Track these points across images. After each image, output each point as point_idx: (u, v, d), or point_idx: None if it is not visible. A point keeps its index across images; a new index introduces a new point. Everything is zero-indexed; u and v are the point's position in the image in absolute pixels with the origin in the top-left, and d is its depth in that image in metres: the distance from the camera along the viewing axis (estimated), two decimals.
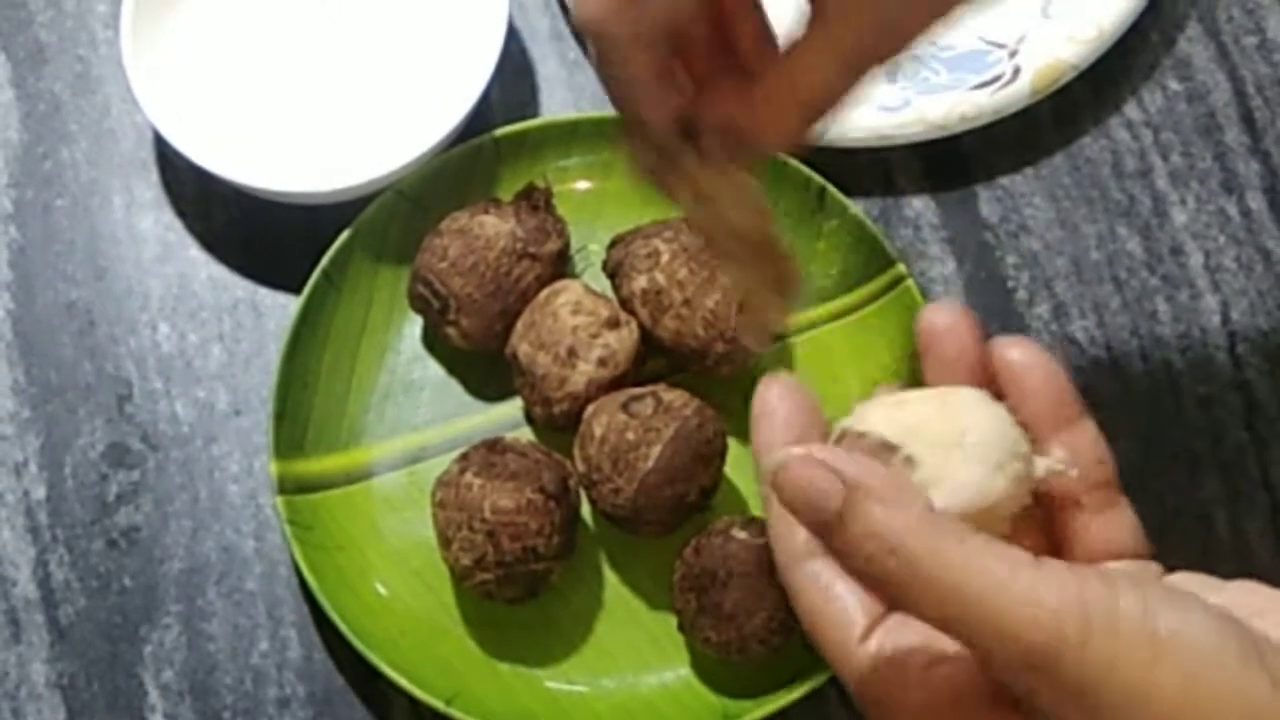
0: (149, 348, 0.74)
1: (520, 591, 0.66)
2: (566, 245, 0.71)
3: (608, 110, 0.76)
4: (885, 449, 0.42)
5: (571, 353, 0.67)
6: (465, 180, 0.73)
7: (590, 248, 0.73)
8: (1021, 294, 0.74)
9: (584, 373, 0.67)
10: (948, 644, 0.40)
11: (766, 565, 0.63)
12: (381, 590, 0.69)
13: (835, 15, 0.47)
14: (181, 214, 0.76)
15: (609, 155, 0.74)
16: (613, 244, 0.71)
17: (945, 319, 0.45)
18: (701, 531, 0.66)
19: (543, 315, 0.68)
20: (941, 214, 0.75)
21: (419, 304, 0.70)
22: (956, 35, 0.76)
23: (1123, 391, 0.72)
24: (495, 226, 0.69)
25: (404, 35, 0.76)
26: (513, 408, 0.71)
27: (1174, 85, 0.77)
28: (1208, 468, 0.71)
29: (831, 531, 0.39)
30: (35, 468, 0.72)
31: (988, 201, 0.75)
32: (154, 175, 0.76)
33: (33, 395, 0.73)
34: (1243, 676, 0.36)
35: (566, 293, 0.68)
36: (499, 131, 0.73)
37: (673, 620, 0.67)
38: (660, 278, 0.68)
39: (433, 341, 0.73)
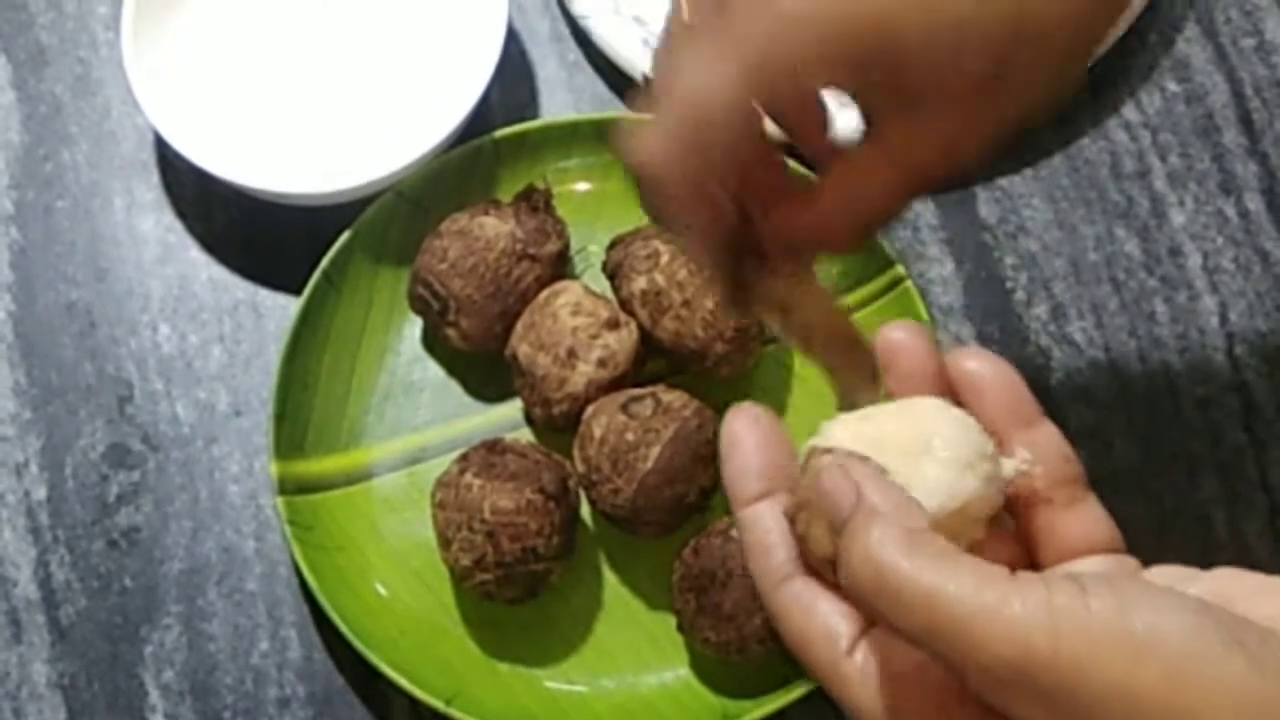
0: (149, 349, 0.74)
1: (520, 592, 0.66)
2: (566, 246, 0.71)
3: (607, 112, 0.76)
4: (851, 459, 0.42)
5: (571, 353, 0.67)
6: (465, 182, 0.73)
7: (590, 249, 0.73)
8: (1020, 295, 0.74)
9: (583, 373, 0.67)
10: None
11: None
12: (381, 590, 0.69)
13: (895, 135, 0.48)
14: (182, 215, 0.76)
15: (608, 156, 0.74)
16: (612, 245, 0.71)
17: (901, 335, 0.46)
18: (701, 532, 0.66)
19: (542, 316, 0.68)
20: (940, 215, 0.75)
21: (419, 305, 0.70)
22: None
23: (1121, 392, 0.73)
24: (495, 228, 0.69)
25: (404, 37, 0.76)
26: (512, 408, 0.72)
27: (1172, 87, 0.77)
28: (1206, 469, 0.71)
29: (839, 539, 0.40)
30: (36, 468, 0.72)
31: (986, 202, 0.75)
32: (154, 177, 0.76)
33: (34, 396, 0.73)
34: (1226, 663, 0.36)
35: (566, 294, 0.68)
36: (499, 133, 0.73)
37: (672, 620, 0.67)
38: (660, 279, 0.68)
39: (432, 342, 0.73)
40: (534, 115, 0.77)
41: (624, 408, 0.65)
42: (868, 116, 0.51)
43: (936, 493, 0.41)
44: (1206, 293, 0.74)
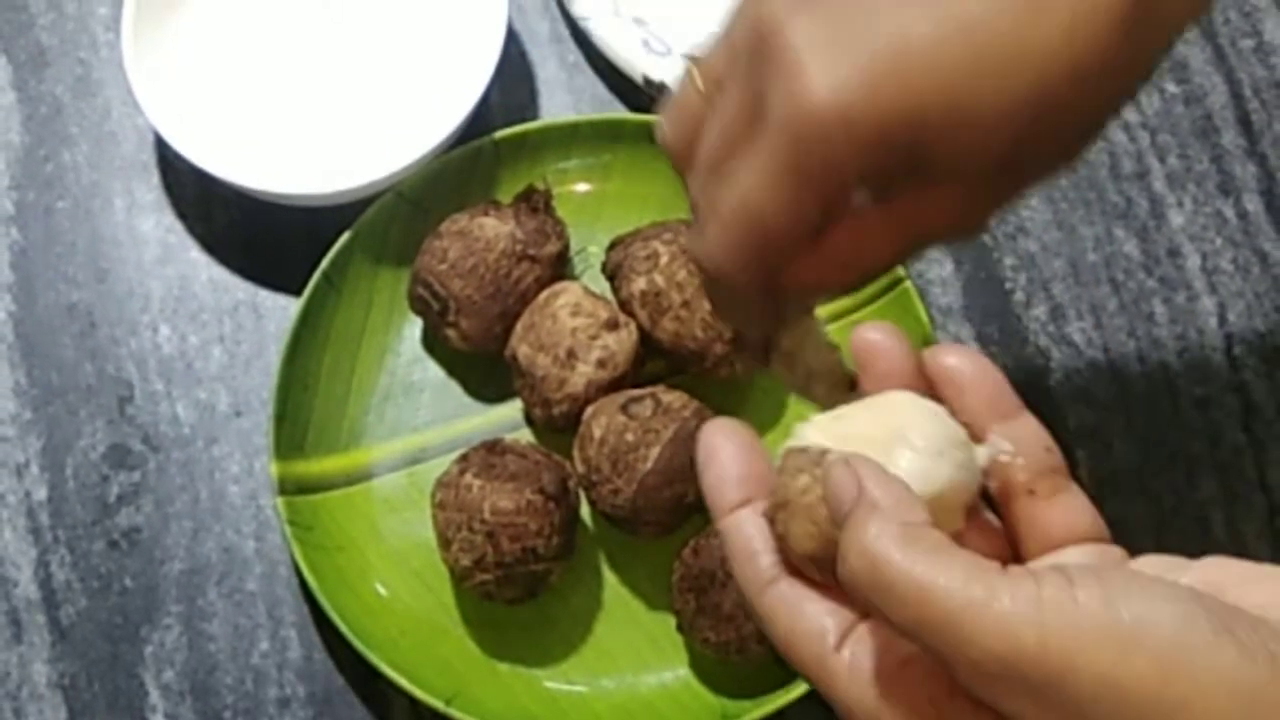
0: (150, 349, 0.74)
1: (520, 592, 0.66)
2: (566, 247, 0.71)
3: (606, 113, 0.76)
4: (824, 457, 0.42)
5: (571, 354, 0.67)
6: (465, 182, 0.73)
7: (589, 250, 0.73)
8: (1019, 295, 0.74)
9: (583, 374, 0.67)
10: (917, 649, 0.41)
11: None
12: (381, 591, 0.69)
13: (907, 205, 0.49)
14: (182, 216, 0.76)
15: (608, 157, 0.74)
16: (612, 246, 0.71)
17: (877, 336, 0.46)
18: (700, 532, 0.66)
19: (542, 317, 0.68)
20: None
21: (419, 306, 0.70)
22: None
23: (1120, 393, 0.73)
24: (495, 228, 0.69)
25: (404, 38, 0.76)
26: (512, 409, 0.72)
27: (1171, 88, 0.77)
28: (1205, 469, 0.72)
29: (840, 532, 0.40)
30: (37, 469, 0.72)
31: None
32: (155, 178, 0.76)
33: (34, 397, 0.73)
34: (1216, 652, 0.36)
35: (566, 294, 0.68)
36: (499, 134, 0.73)
37: (672, 621, 0.67)
38: (659, 280, 0.68)
39: (432, 343, 0.73)
40: (534, 116, 0.77)
41: (624, 408, 0.66)
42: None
43: (911, 481, 0.42)
44: (1205, 293, 0.74)
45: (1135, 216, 0.75)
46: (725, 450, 0.45)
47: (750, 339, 0.53)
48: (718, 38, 0.51)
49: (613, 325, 0.68)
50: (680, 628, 0.67)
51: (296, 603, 0.70)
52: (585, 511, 0.69)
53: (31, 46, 0.78)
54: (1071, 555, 0.44)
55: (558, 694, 0.68)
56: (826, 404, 0.51)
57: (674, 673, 0.68)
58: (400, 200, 0.72)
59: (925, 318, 0.70)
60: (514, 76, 0.78)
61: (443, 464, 0.69)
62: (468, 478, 0.65)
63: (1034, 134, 0.48)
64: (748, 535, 0.44)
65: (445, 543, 0.66)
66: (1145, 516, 0.71)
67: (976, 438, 0.44)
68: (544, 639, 0.69)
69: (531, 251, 0.69)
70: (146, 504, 0.71)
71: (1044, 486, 0.44)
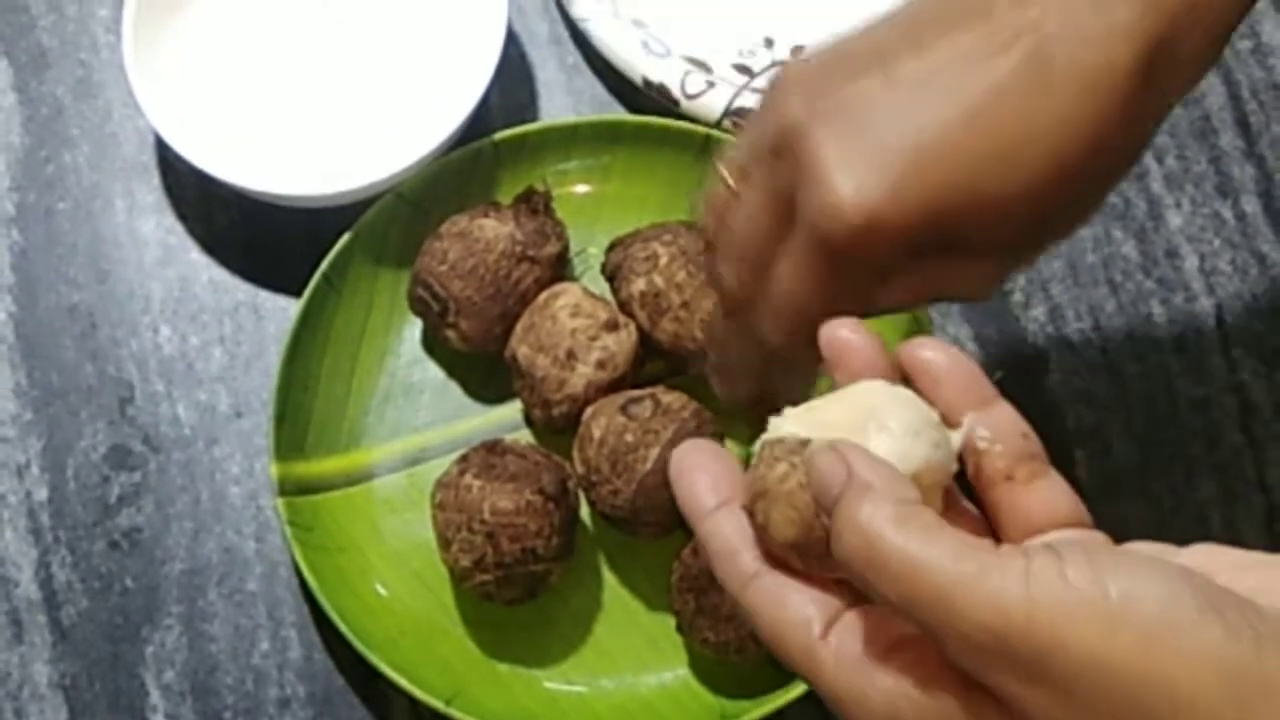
0: (150, 350, 0.74)
1: (519, 592, 0.66)
2: (565, 248, 0.71)
3: (606, 114, 0.76)
4: (803, 446, 0.43)
5: (570, 355, 0.67)
6: (465, 183, 0.73)
7: (589, 251, 0.74)
8: (1018, 296, 0.74)
9: (583, 375, 0.67)
10: (905, 633, 0.41)
11: None
12: (381, 591, 0.69)
13: (928, 271, 0.52)
14: (183, 217, 0.76)
15: (608, 159, 0.74)
16: (611, 247, 0.71)
17: (847, 333, 0.46)
18: None
19: (542, 318, 0.68)
20: None
21: (419, 306, 0.71)
22: None
23: (1118, 394, 0.73)
24: (495, 229, 0.69)
25: (404, 39, 0.76)
26: (512, 410, 0.72)
27: None
28: (1203, 469, 0.72)
29: (830, 515, 0.41)
30: (37, 470, 0.72)
31: None
32: (155, 179, 0.77)
33: (35, 398, 0.73)
34: (1202, 630, 0.36)
35: (565, 295, 0.69)
36: (498, 135, 0.74)
37: (671, 621, 0.68)
38: (659, 280, 0.68)
39: (432, 344, 0.73)
40: (533, 117, 0.77)
41: (623, 409, 0.66)
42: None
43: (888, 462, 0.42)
44: (1203, 294, 0.74)
45: (1133, 218, 0.75)
46: (694, 460, 0.46)
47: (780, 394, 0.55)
48: (743, 135, 0.55)
49: (612, 326, 0.68)
50: (679, 628, 0.67)
51: (297, 603, 0.70)
52: (585, 512, 0.69)
53: (32, 48, 0.79)
54: (1053, 539, 0.44)
55: (557, 694, 0.68)
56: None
57: (673, 673, 0.68)
58: (400, 201, 0.72)
59: (925, 318, 0.70)
60: (514, 78, 0.78)
61: (443, 465, 0.69)
62: (468, 478, 0.66)
63: (1057, 201, 0.50)
64: (726, 535, 0.44)
65: (445, 543, 0.66)
66: (1144, 517, 0.71)
67: (952, 426, 0.45)
68: (544, 639, 0.69)
69: (531, 253, 0.70)
70: (147, 504, 0.72)
71: (1022, 472, 0.44)
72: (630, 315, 0.69)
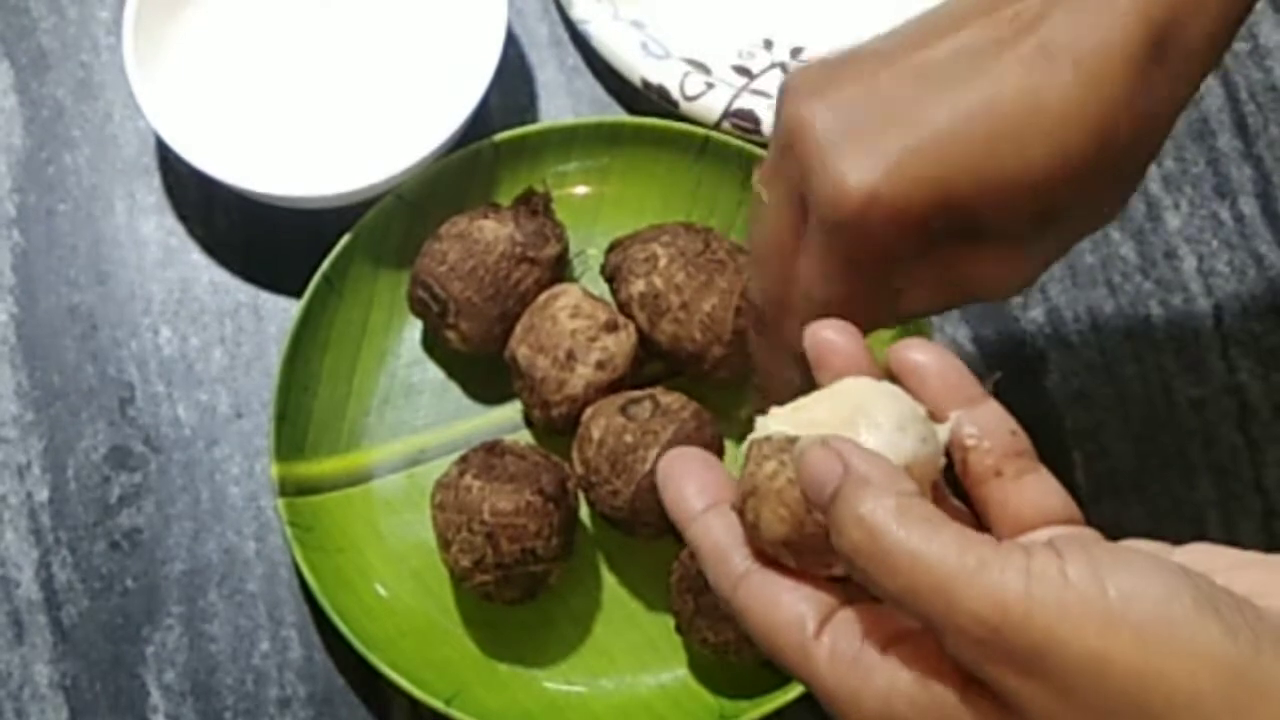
0: (151, 351, 0.74)
1: (519, 593, 0.66)
2: (565, 249, 0.71)
3: (605, 115, 0.76)
4: (791, 444, 0.43)
5: (570, 356, 0.67)
6: (464, 185, 0.73)
7: (588, 252, 0.74)
8: (1016, 298, 0.74)
9: (582, 376, 0.67)
10: (899, 631, 0.41)
11: None
12: (381, 591, 0.69)
13: (947, 260, 0.53)
14: (183, 218, 0.76)
15: (607, 160, 0.74)
16: (611, 248, 0.71)
17: (831, 334, 0.47)
18: None
19: (541, 319, 0.68)
20: None
21: (419, 307, 0.71)
22: None
23: (1117, 395, 0.73)
24: (494, 231, 0.70)
25: (404, 41, 0.76)
26: (512, 410, 0.72)
27: None
28: (1201, 470, 0.72)
29: (827, 510, 0.41)
30: (38, 470, 0.72)
31: None
32: (156, 180, 0.77)
33: (36, 398, 0.73)
34: (1198, 625, 0.37)
35: (565, 296, 0.69)
36: (498, 136, 0.74)
37: (670, 621, 0.68)
38: (658, 281, 0.68)
39: (432, 345, 0.73)
40: (533, 119, 0.77)
41: (622, 410, 0.66)
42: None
43: None
44: (1201, 295, 0.74)
45: (1132, 219, 0.76)
46: (681, 466, 0.46)
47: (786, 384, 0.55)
48: (770, 146, 0.55)
49: (612, 327, 0.68)
50: (679, 628, 0.67)
51: (297, 603, 0.70)
52: (584, 513, 0.69)
53: (33, 50, 0.79)
54: (1044, 536, 0.44)
55: (557, 694, 0.68)
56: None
57: (672, 673, 0.68)
58: (400, 202, 0.73)
59: (924, 320, 0.70)
60: (513, 79, 0.78)
61: (442, 465, 0.69)
62: (467, 479, 0.66)
63: (1064, 189, 0.50)
64: (715, 536, 0.45)
65: (445, 544, 0.66)
66: (1141, 518, 0.71)
67: (939, 421, 0.45)
68: (543, 639, 0.69)
69: (531, 254, 0.70)
70: (148, 505, 0.72)
71: (1011, 468, 0.44)
72: (630, 316, 0.69)
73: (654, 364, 0.70)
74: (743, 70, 0.77)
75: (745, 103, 0.75)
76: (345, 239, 0.72)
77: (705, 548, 0.45)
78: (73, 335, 0.74)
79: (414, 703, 0.67)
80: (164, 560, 0.71)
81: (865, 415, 0.43)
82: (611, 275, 0.70)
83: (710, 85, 0.75)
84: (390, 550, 0.70)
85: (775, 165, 0.53)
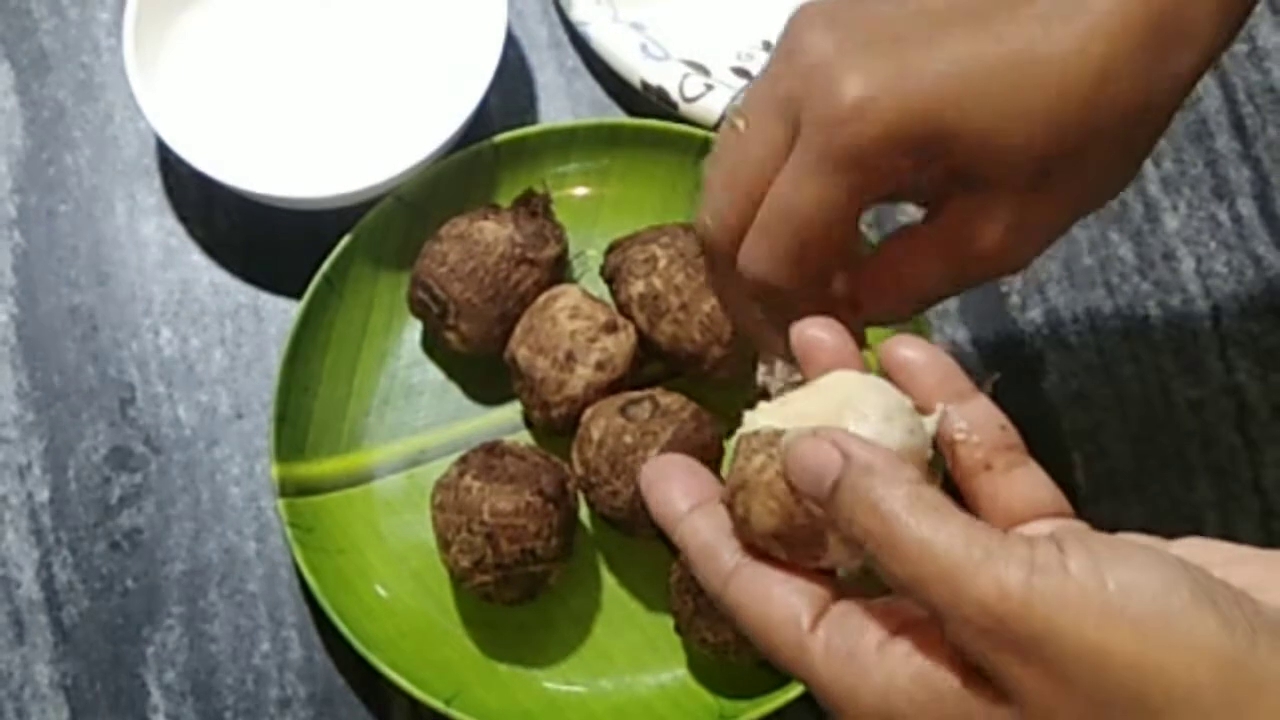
0: (151, 352, 0.74)
1: (519, 593, 0.67)
2: (565, 250, 0.72)
3: (605, 117, 0.76)
4: (778, 437, 0.43)
5: (570, 357, 0.68)
6: (464, 186, 0.74)
7: (588, 253, 0.74)
8: (1015, 299, 0.74)
9: (582, 376, 0.68)
10: (895, 625, 0.41)
11: None
12: (381, 592, 0.69)
13: (952, 217, 0.52)
14: (184, 219, 0.76)
15: (607, 161, 0.75)
16: (610, 249, 0.71)
17: (817, 331, 0.47)
18: None
19: (541, 320, 0.68)
20: None
21: (419, 309, 0.71)
22: None
23: (1115, 396, 0.73)
24: (494, 232, 0.70)
25: (404, 42, 0.77)
26: (511, 411, 0.72)
27: None
28: (1199, 471, 0.72)
29: (828, 499, 0.41)
30: (39, 470, 0.72)
31: None
32: (156, 181, 0.77)
33: (36, 399, 0.73)
34: (1195, 618, 0.37)
35: (565, 297, 0.69)
36: (498, 138, 0.74)
37: (669, 622, 0.68)
38: (657, 283, 0.68)
39: (432, 346, 0.73)
40: (533, 120, 0.78)
41: (622, 410, 0.66)
42: (931, 205, 0.54)
43: None
44: (1200, 296, 0.74)
45: (1130, 220, 0.76)
46: (664, 471, 0.46)
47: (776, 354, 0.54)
48: (756, 77, 0.54)
49: (611, 328, 0.68)
50: (678, 629, 0.67)
51: (297, 604, 0.70)
52: (584, 513, 0.69)
53: (34, 51, 0.79)
54: (1035, 529, 0.44)
55: (556, 694, 0.68)
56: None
57: (672, 673, 0.69)
58: (400, 204, 0.73)
59: (923, 319, 0.70)
60: (513, 81, 0.78)
61: (442, 466, 0.69)
62: (467, 479, 0.66)
63: (1057, 144, 0.49)
64: (703, 535, 0.45)
65: (445, 544, 0.66)
66: (1140, 518, 0.71)
67: (926, 416, 0.45)
68: (543, 640, 0.69)
69: (530, 255, 0.70)
70: (148, 505, 0.72)
71: (1000, 461, 0.45)
72: (629, 317, 0.69)
73: (653, 365, 0.70)
74: (742, 72, 0.77)
75: None
76: (345, 240, 0.72)
77: (693, 547, 0.45)
78: (73, 336, 0.74)
79: (414, 703, 0.67)
80: (164, 560, 0.71)
81: (852, 407, 0.43)
82: (611, 276, 0.70)
83: (709, 87, 0.75)
84: (390, 551, 0.70)
85: (766, 90, 0.53)
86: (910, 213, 0.75)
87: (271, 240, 0.75)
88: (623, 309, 0.70)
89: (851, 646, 0.41)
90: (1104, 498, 0.71)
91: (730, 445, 0.45)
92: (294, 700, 0.69)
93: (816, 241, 0.51)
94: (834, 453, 0.41)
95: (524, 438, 0.71)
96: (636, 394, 0.67)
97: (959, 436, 0.45)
